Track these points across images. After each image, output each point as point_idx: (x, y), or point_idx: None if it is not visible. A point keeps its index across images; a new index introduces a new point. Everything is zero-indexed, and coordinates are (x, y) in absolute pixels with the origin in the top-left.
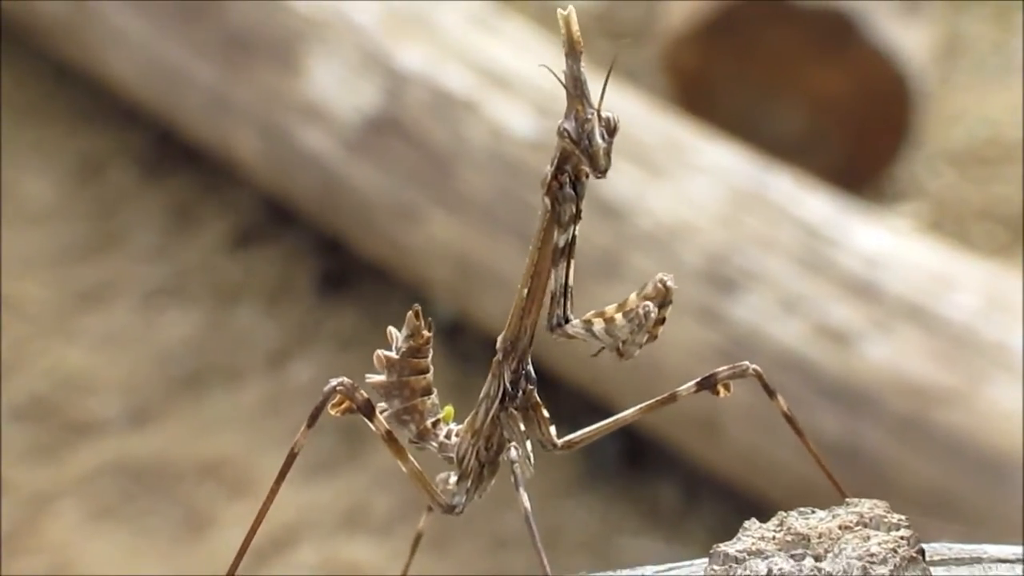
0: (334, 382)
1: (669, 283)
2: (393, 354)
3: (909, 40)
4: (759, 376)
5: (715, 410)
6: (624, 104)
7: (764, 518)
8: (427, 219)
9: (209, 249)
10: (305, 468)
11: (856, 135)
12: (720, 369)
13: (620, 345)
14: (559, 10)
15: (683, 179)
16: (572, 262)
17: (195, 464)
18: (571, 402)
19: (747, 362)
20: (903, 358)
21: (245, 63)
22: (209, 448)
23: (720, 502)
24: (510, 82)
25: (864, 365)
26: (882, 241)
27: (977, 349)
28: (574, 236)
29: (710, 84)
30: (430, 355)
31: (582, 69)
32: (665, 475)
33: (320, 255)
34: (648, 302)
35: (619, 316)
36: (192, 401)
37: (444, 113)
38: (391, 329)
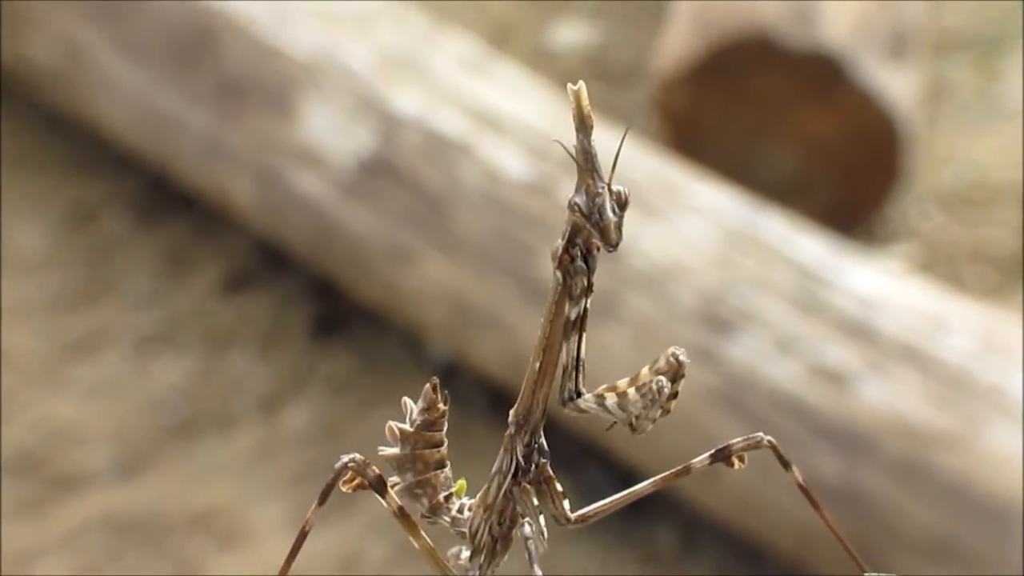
0: (346, 458)
1: (681, 357)
2: (407, 427)
3: (896, 84)
4: (774, 447)
5: (706, 448)
6: (617, 145)
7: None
8: (422, 261)
9: (202, 294)
10: (299, 517)
11: (847, 177)
12: (734, 441)
13: (633, 420)
14: (569, 85)
15: (677, 220)
16: (584, 335)
17: (186, 515)
18: (567, 445)
19: (761, 433)
20: (899, 400)
21: (239, 109)
22: (200, 498)
23: (719, 546)
24: (503, 124)
25: (861, 406)
26: (875, 282)
27: (973, 392)
28: (586, 309)
29: (702, 126)
30: (445, 428)
31: (592, 143)
32: (664, 518)
33: (314, 299)
34: (661, 377)
35: (632, 391)
36: (183, 450)
37: (438, 156)
38: (406, 400)
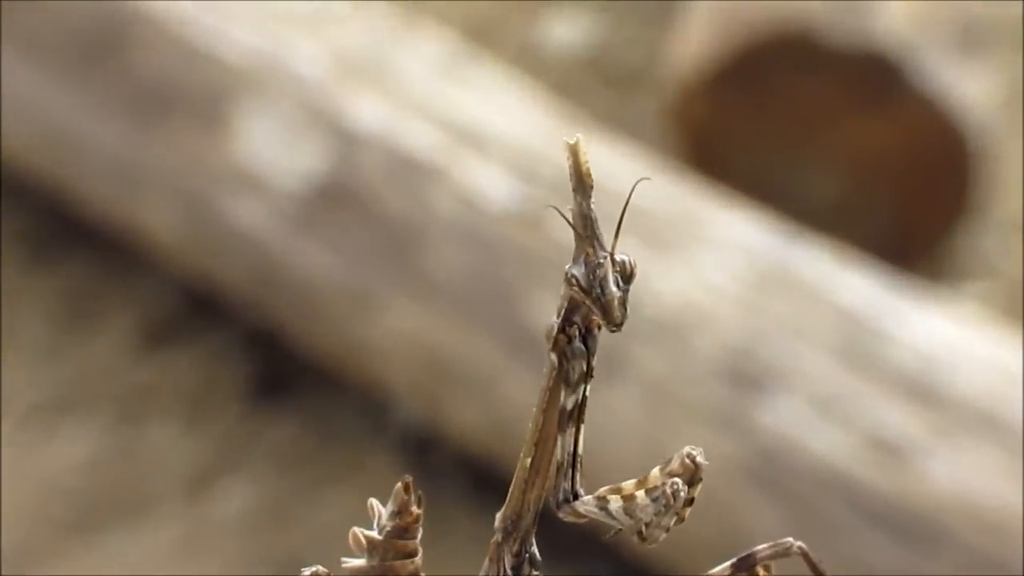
0: (307, 572)
1: (699, 458)
2: (375, 534)
3: (966, 88)
4: (805, 555)
5: (731, 536)
6: (623, 165)
7: None
8: (386, 307)
9: (113, 350)
10: None
11: (906, 201)
12: (759, 547)
13: (643, 528)
14: (565, 139)
15: (696, 256)
16: (582, 427)
17: None
18: (565, 529)
19: (790, 539)
20: (972, 477)
21: (160, 122)
22: None
23: None
24: (485, 142)
25: (925, 486)
26: (942, 331)
27: None
28: (585, 397)
29: (728, 141)
30: (419, 535)
31: (592, 206)
32: None
33: (254, 354)
34: (676, 479)
35: (640, 494)
36: (87, 544)
37: (405, 179)
38: (373, 502)
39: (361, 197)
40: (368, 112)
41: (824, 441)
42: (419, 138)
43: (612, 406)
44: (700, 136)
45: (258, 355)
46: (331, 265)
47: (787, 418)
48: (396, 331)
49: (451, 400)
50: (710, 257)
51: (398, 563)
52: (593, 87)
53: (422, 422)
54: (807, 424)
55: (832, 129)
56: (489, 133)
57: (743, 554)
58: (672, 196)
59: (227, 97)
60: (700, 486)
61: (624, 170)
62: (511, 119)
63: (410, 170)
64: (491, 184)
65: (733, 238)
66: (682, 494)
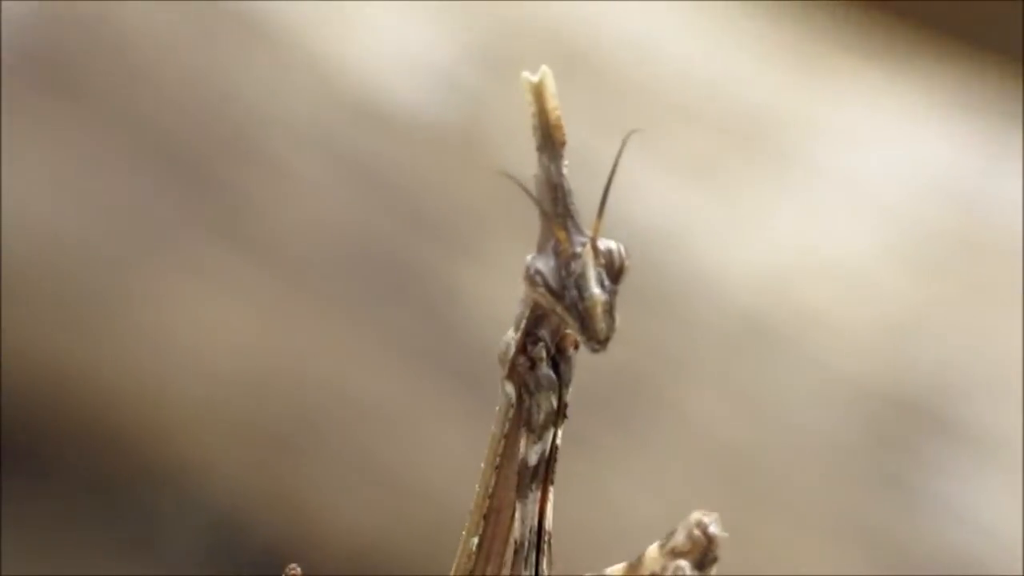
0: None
1: (712, 528)
2: None
3: None
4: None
5: None
6: (664, 15)
7: None
8: (176, 287)
9: None
10: None
11: None
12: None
13: None
14: (525, 75)
15: (802, 193)
16: (551, 489)
17: None
18: None
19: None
20: None
21: None
22: None
23: None
24: None
25: None
26: None
27: None
28: (555, 447)
29: None
30: None
31: (564, 173)
32: None
33: None
34: (681, 561)
35: None
36: None
37: (213, 39)
38: None
39: (116, 67)
40: None
41: None
42: None
43: (644, 480)
44: None
45: None
46: (52, 204)
47: (985, 510)
48: (198, 337)
49: (314, 476)
50: (838, 194)
51: None
52: None
53: (259, 522)
54: None
55: None
56: None
57: None
58: (767, 69)
59: None
60: (715, 567)
61: (657, 22)
62: None
63: (219, 22)
64: (385, 51)
65: (892, 148)
66: None
